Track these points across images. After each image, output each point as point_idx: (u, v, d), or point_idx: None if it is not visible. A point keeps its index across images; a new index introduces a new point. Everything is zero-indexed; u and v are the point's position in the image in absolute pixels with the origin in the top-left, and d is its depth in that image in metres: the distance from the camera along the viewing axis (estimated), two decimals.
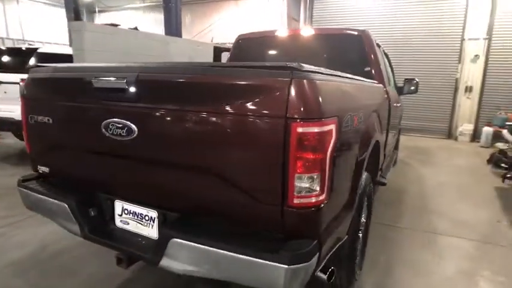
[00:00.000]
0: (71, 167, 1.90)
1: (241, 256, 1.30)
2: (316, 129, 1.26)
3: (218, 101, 1.37)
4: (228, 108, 1.34)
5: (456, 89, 8.67)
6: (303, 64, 1.30)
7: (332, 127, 1.33)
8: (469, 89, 8.52)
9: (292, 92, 1.24)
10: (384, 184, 3.17)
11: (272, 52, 3.81)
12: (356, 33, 3.35)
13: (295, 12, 10.30)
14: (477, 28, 8.22)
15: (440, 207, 3.90)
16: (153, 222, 1.67)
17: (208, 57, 5.92)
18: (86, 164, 1.82)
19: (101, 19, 14.18)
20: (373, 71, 3.15)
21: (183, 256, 1.45)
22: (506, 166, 5.50)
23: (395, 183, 4.66)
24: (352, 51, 3.39)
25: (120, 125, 1.56)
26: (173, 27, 6.99)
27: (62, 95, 1.81)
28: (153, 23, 12.93)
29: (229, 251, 1.33)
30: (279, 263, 1.25)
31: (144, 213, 1.70)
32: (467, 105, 8.61)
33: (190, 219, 1.56)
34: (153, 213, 1.67)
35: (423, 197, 4.28)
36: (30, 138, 2.02)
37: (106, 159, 1.72)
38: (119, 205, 1.78)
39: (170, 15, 6.99)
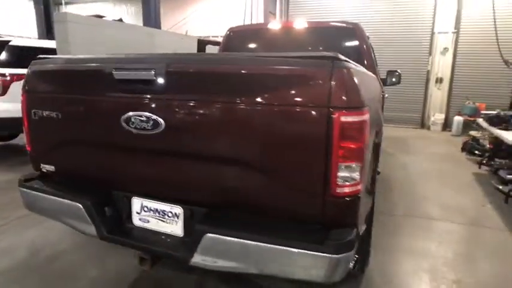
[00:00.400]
0: (82, 164, 1.79)
1: (284, 248, 1.29)
2: (357, 119, 1.26)
3: (255, 92, 1.33)
4: (266, 98, 1.31)
5: (428, 81, 9.08)
6: (339, 54, 1.30)
7: (368, 116, 1.35)
8: (439, 80, 8.95)
9: (334, 81, 1.23)
10: (378, 173, 3.28)
11: (264, 44, 3.78)
12: (349, 25, 3.41)
13: (272, 6, 10.28)
14: (446, 22, 8.62)
15: (428, 193, 4.09)
16: (178, 218, 1.62)
17: (193, 50, 5.79)
18: (100, 160, 1.72)
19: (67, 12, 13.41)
20: (365, 62, 3.22)
21: (219, 252, 1.41)
22: (479, 153, 5.87)
23: (382, 171, 4.83)
24: (345, 43, 3.44)
25: (145, 118, 1.48)
26: (152, 19, 6.75)
27: (74, 87, 1.69)
28: (125, 16, 12.39)
29: (271, 244, 1.31)
30: (324, 252, 1.25)
31: (167, 210, 1.64)
32: (438, 95, 9.05)
33: (221, 213, 1.52)
34: (178, 209, 1.61)
35: (411, 184, 4.47)
36: (32, 134, 1.87)
37: (124, 154, 1.64)
38: (137, 202, 1.71)
39: (149, 6, 6.74)
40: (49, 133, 1.81)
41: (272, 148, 1.34)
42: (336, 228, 1.35)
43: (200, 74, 1.43)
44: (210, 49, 5.25)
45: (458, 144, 6.62)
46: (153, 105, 1.47)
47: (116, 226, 1.72)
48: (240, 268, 1.41)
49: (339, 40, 3.43)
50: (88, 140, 1.72)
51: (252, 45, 3.80)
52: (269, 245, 1.31)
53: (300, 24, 3.59)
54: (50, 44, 5.64)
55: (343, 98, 1.23)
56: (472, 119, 8.10)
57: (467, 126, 7.92)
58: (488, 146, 5.71)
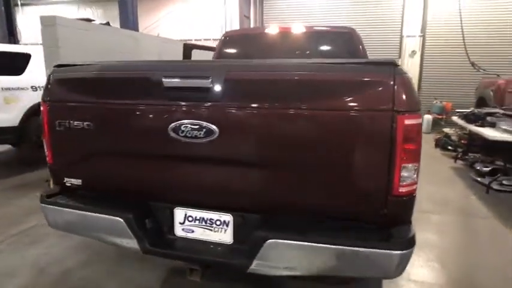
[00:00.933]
0: (117, 176, 1.70)
1: (354, 248, 1.32)
2: (415, 121, 1.33)
3: (316, 98, 1.36)
4: (329, 104, 1.34)
5: None
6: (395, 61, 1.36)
7: (421, 119, 1.42)
8: None
9: (397, 86, 1.29)
10: None
11: (262, 49, 3.80)
12: (346, 30, 3.54)
13: (246, 10, 10.34)
14: (413, 26, 9.17)
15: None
16: (227, 226, 1.60)
17: (177, 55, 5.68)
18: (140, 171, 1.65)
19: (25, 14, 12.49)
20: None
21: (282, 257, 1.42)
22: (452, 148, 6.31)
23: None
24: (343, 47, 3.55)
25: (197, 126, 1.45)
26: (130, 21, 6.53)
27: (112, 96, 1.60)
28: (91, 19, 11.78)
29: (340, 245, 1.34)
30: (394, 250, 1.30)
31: (215, 218, 1.61)
32: None
33: (276, 218, 1.52)
34: (227, 217, 1.59)
35: None
36: (55, 147, 1.75)
37: (169, 163, 1.59)
38: (180, 213, 1.66)
39: (126, 8, 6.51)
40: (78, 145, 1.70)
41: (335, 152, 1.37)
42: (392, 226, 1.41)
43: (259, 82, 1.43)
44: (197, 54, 5.17)
45: (431, 141, 7.06)
46: (208, 113, 1.44)
47: (157, 238, 1.66)
48: (304, 271, 1.42)
49: (337, 44, 3.54)
50: (127, 151, 1.64)
51: (249, 50, 3.80)
52: (338, 247, 1.34)
53: (297, 28, 3.66)
54: (13, 48, 5.26)
55: (405, 102, 1.29)
56: (440, 117, 8.69)
57: (436, 124, 8.47)
58: (460, 141, 6.16)
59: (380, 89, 1.30)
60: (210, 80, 1.40)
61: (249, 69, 1.48)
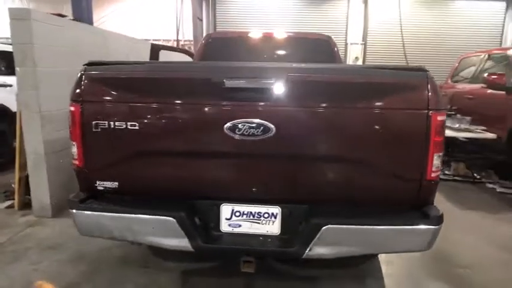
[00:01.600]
0: (163, 175, 1.69)
1: (400, 227, 1.54)
2: (443, 118, 1.59)
3: (364, 98, 1.55)
4: (376, 103, 1.55)
5: None
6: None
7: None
8: None
9: (430, 88, 1.54)
10: None
11: (245, 53, 3.92)
12: (324, 38, 3.84)
13: (199, 11, 10.28)
14: (356, 34, 10.06)
15: None
16: (275, 218, 1.70)
17: (144, 55, 5.48)
18: (188, 169, 1.67)
19: None
20: None
21: (336, 240, 1.57)
22: None
23: None
24: (320, 53, 3.84)
25: (255, 125, 1.54)
26: (84, 15, 6.09)
27: (163, 96, 1.60)
28: None
29: (387, 226, 1.55)
30: (431, 225, 1.55)
31: (264, 211, 1.70)
32: None
33: (324, 207, 1.67)
34: (275, 210, 1.70)
35: None
36: (89, 148, 1.68)
37: (223, 161, 1.64)
38: (227, 209, 1.72)
39: (80, 1, 6.06)
40: (120, 145, 1.65)
41: (380, 145, 1.57)
42: (423, 207, 1.66)
43: (318, 83, 1.57)
44: (163, 56, 5.08)
45: None
46: (266, 112, 1.54)
47: (206, 235, 1.69)
48: (354, 252, 1.60)
49: (316, 50, 3.81)
50: (177, 150, 1.65)
51: (233, 53, 3.89)
52: (386, 227, 1.55)
53: (279, 34, 3.86)
54: None
55: (437, 101, 1.55)
56: None
57: None
58: None
59: (417, 91, 1.55)
60: (272, 81, 1.50)
61: (307, 72, 1.62)
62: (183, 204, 1.68)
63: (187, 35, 10.18)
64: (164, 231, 1.62)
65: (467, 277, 2.43)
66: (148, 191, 1.73)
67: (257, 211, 1.71)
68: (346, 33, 10.10)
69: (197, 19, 10.10)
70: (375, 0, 9.86)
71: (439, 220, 1.57)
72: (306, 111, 1.56)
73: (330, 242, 1.58)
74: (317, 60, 3.76)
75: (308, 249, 1.58)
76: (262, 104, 1.55)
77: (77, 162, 1.70)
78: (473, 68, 5.67)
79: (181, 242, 1.63)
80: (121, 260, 2.60)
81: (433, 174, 1.61)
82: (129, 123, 1.60)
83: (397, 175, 1.60)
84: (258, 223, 1.71)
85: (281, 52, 3.85)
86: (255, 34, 3.87)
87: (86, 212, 1.65)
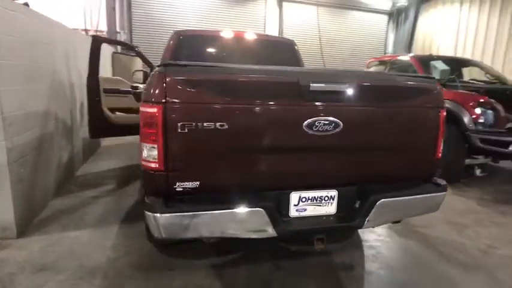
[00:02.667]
0: (243, 171, 1.82)
1: (428, 195, 2.07)
2: (445, 113, 2.18)
3: (402, 98, 2.04)
4: (409, 102, 2.05)
5: None
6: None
7: None
8: None
9: (439, 91, 2.11)
10: None
11: (215, 52, 4.04)
12: (289, 41, 4.27)
13: (112, 1, 9.45)
14: (273, 34, 10.83)
15: None
16: (333, 200, 2.03)
17: (79, 47, 4.90)
18: (269, 164, 1.85)
19: None
20: None
21: (384, 211, 2.00)
22: None
23: None
24: (285, 55, 4.26)
25: (328, 122, 1.83)
26: None
27: (253, 97, 1.74)
28: None
29: (420, 195, 2.06)
30: (441, 192, 2.13)
31: (324, 195, 2.01)
32: None
33: (368, 187, 2.07)
34: (333, 192, 2.03)
35: None
36: (173, 150, 1.69)
37: (299, 155, 1.88)
38: (295, 196, 1.97)
39: None
40: (206, 145, 1.71)
41: (411, 134, 2.08)
42: (430, 180, 2.24)
43: (374, 87, 1.97)
44: (109, 48, 4.75)
45: None
46: (337, 111, 1.85)
47: (284, 222, 1.91)
48: (396, 218, 2.06)
49: (281, 52, 4.20)
50: (259, 147, 1.80)
51: (204, 52, 3.97)
52: (416, 196, 2.06)
53: (248, 35, 4.10)
54: None
55: (443, 101, 2.13)
56: None
57: None
58: None
59: (431, 93, 2.09)
60: (345, 85, 1.82)
61: (366, 78, 1.99)
62: (262, 196, 1.86)
63: (100, 25, 9.26)
64: (253, 222, 1.77)
65: (424, 233, 3.21)
66: (228, 187, 1.83)
67: (319, 195, 2.00)
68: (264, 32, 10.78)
69: (111, 9, 9.28)
70: (288, 4, 10.81)
71: (445, 188, 2.16)
72: (364, 109, 1.95)
73: (380, 213, 2.00)
74: (284, 62, 4.16)
75: (366, 220, 1.97)
76: (334, 104, 1.86)
77: (155, 165, 1.68)
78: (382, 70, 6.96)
79: (268, 230, 1.81)
80: (139, 267, 2.52)
81: (439, 154, 2.19)
82: (217, 124, 1.68)
83: (420, 156, 2.13)
84: (320, 206, 2.01)
85: (250, 52, 4.10)
86: (225, 34, 4.02)
87: (174, 214, 1.66)
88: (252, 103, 1.76)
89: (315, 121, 1.81)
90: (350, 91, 1.88)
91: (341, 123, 1.86)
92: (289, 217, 1.97)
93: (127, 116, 5.12)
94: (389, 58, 6.89)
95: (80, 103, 5.06)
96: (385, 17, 11.90)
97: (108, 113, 4.84)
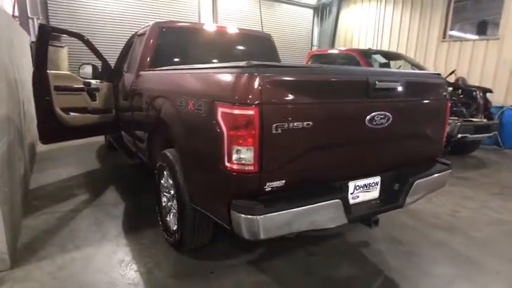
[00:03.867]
0: (319, 166, 1.91)
1: (441, 173, 2.48)
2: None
3: (427, 92, 2.39)
4: (431, 96, 2.41)
5: None
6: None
7: None
8: None
9: (445, 86, 2.52)
10: None
11: (197, 45, 3.90)
12: (266, 35, 4.36)
13: None
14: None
15: None
16: (377, 185, 2.28)
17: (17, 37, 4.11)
18: (339, 158, 1.98)
19: None
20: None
21: (420, 189, 2.32)
22: None
23: None
24: (264, 48, 4.35)
25: (383, 116, 2.05)
26: None
27: (333, 96, 1.84)
28: None
29: (441, 173, 2.45)
30: (450, 169, 2.57)
31: (371, 182, 2.24)
32: None
33: (402, 171, 2.37)
34: (378, 179, 2.27)
35: None
36: (268, 151, 1.70)
37: (360, 147, 2.06)
38: (351, 185, 2.15)
39: None
40: (295, 144, 1.76)
41: (432, 122, 2.44)
42: (436, 160, 2.66)
43: (414, 83, 2.23)
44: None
45: None
46: (390, 105, 2.08)
47: (350, 208, 2.07)
48: (426, 194, 2.40)
49: (261, 46, 4.28)
50: (334, 143, 1.91)
51: (185, 45, 3.80)
52: (438, 174, 2.44)
53: (232, 29, 4.05)
54: None
55: (448, 94, 2.55)
56: None
57: None
58: None
59: (441, 87, 2.48)
60: (398, 82, 2.06)
61: (409, 75, 2.26)
62: (333, 188, 2.00)
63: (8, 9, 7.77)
64: (334, 212, 1.90)
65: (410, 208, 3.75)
66: (306, 182, 1.91)
67: (368, 182, 2.22)
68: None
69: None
70: None
71: (451, 166, 2.61)
72: (405, 103, 2.22)
73: (416, 192, 2.31)
74: (263, 55, 4.24)
75: (406, 200, 2.27)
76: (388, 99, 2.08)
77: (250, 167, 1.67)
78: (323, 62, 7.53)
79: (342, 218, 1.96)
80: (179, 275, 2.41)
81: (444, 138, 2.62)
82: (305, 123, 1.74)
83: (435, 140, 2.52)
84: (368, 191, 2.24)
85: (231, 46, 4.07)
86: (209, 27, 3.90)
87: (273, 213, 1.68)
88: (331, 101, 1.87)
89: (374, 116, 2.01)
90: (399, 88, 2.12)
91: (391, 116, 2.10)
92: (350, 204, 2.14)
93: (84, 116, 4.58)
94: (332, 52, 7.51)
95: (21, 103, 4.30)
96: (311, 11, 12.72)
97: (61, 113, 4.26)
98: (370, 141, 2.10)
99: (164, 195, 2.83)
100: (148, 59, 3.43)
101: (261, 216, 1.65)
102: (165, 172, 2.70)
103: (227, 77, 1.76)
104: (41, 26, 4.04)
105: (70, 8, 8.69)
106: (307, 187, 1.91)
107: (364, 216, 2.19)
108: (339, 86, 1.93)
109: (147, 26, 3.72)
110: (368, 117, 1.99)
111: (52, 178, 4.44)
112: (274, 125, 1.66)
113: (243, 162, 1.67)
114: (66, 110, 4.39)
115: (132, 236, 2.93)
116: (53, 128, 4.20)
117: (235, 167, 1.68)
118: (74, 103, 4.51)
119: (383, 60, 6.69)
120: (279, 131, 1.68)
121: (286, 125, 1.69)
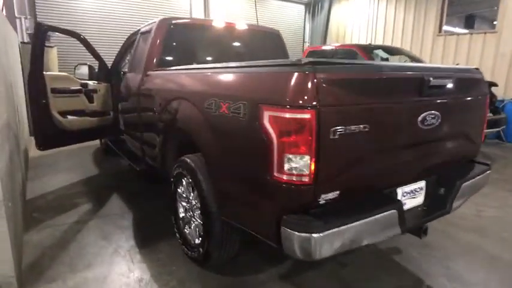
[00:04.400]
0: (374, 173, 1.73)
1: (483, 174, 2.33)
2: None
3: (470, 89, 2.22)
4: (473, 92, 2.24)
5: None
6: None
7: None
8: None
9: (484, 81, 2.37)
10: None
11: (207, 41, 3.67)
12: (275, 31, 4.16)
13: None
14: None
15: None
16: (422, 190, 2.11)
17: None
18: (392, 163, 1.80)
19: None
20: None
21: (465, 192, 2.16)
22: None
23: None
24: (274, 45, 4.15)
25: (433, 116, 1.88)
26: None
27: (390, 95, 1.66)
28: None
29: (481, 174, 2.31)
30: (490, 170, 2.43)
31: (417, 187, 2.07)
32: None
33: (444, 174, 2.21)
34: (423, 184, 2.10)
35: None
36: (325, 159, 1.50)
37: (413, 150, 1.88)
38: (400, 192, 1.97)
39: None
40: (350, 151, 1.57)
41: (474, 120, 2.29)
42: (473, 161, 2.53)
43: (462, 79, 2.08)
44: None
45: None
46: (439, 104, 1.90)
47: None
48: (467, 198, 2.25)
49: (271, 42, 4.07)
50: (389, 147, 1.73)
51: (194, 42, 3.57)
52: (481, 176, 2.29)
53: (241, 25, 3.83)
54: None
55: (486, 89, 2.40)
56: None
57: None
58: None
59: (482, 83, 2.34)
60: (450, 79, 1.89)
61: (455, 71, 2.10)
62: (385, 196, 1.82)
63: None
64: (389, 224, 1.72)
65: None
66: (358, 191, 1.72)
67: (414, 188, 2.05)
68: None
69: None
70: None
71: (491, 166, 2.47)
72: (453, 100, 2.05)
73: (462, 195, 2.16)
74: (272, 52, 4.04)
75: (453, 205, 2.12)
76: (439, 97, 1.91)
77: (305, 178, 1.47)
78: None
79: (396, 229, 1.78)
80: None
81: (483, 135, 2.48)
82: (361, 126, 1.56)
83: (475, 138, 2.37)
84: (414, 198, 2.07)
85: (241, 43, 3.85)
86: (218, 23, 3.67)
87: (332, 230, 1.48)
88: (388, 101, 1.69)
89: (426, 116, 1.84)
90: (449, 85, 1.96)
91: (440, 116, 1.93)
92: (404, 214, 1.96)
93: (82, 120, 4.30)
94: (331, 48, 7.36)
95: (16, 107, 3.98)
96: (302, 7, 12.53)
97: (58, 117, 3.97)
98: (419, 143, 1.93)
99: (182, 205, 2.61)
100: (156, 57, 3.18)
101: (320, 235, 1.45)
102: (183, 180, 2.48)
103: (276, 76, 1.55)
104: (37, 25, 3.72)
105: (58, 8, 8.24)
106: (358, 197, 1.73)
107: (418, 225, 2.01)
108: (396, 84, 1.75)
109: (151, 22, 3.46)
110: (420, 117, 1.82)
111: (49, 186, 4.13)
112: (332, 130, 1.47)
113: (295, 172, 1.46)
114: (63, 113, 4.11)
115: (147, 251, 2.69)
116: (50, 133, 3.91)
117: (286, 177, 1.48)
118: (71, 106, 4.23)
119: (385, 55, 6.57)
120: (336, 136, 1.48)
121: (343, 129, 1.50)
